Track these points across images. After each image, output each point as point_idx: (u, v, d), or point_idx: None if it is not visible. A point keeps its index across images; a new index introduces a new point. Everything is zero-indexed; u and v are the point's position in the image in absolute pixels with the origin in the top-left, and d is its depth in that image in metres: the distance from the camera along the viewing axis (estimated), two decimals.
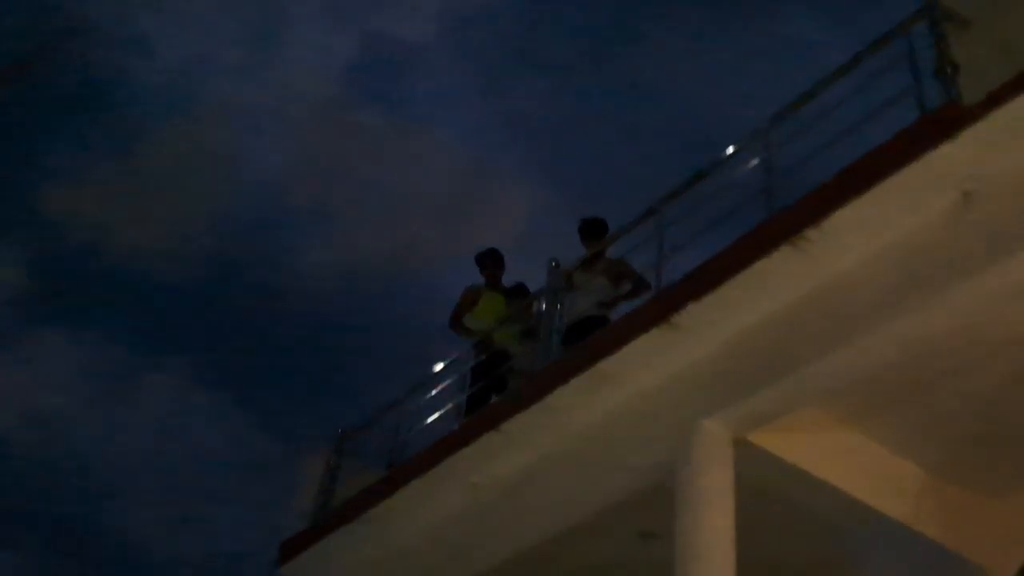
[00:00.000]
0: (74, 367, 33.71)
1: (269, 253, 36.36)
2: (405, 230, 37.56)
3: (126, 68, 35.21)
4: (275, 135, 36.93)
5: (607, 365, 6.47)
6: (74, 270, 34.06)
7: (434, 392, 8.67)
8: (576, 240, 8.64)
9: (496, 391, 8.55)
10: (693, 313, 6.01)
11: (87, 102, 34.68)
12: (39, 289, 33.64)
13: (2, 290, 33.16)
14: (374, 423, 9.27)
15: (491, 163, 38.19)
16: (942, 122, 5.06)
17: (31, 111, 32.56)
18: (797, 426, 6.09)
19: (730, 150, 6.62)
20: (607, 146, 37.25)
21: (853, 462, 6.35)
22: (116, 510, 31.92)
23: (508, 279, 9.39)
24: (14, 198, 33.08)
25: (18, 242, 33.77)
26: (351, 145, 37.91)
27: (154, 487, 32.42)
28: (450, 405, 8.47)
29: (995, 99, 4.89)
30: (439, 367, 8.79)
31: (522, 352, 8.29)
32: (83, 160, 34.50)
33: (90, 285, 33.79)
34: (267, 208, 36.65)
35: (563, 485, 6.98)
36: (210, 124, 35.85)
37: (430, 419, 8.50)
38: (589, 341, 6.96)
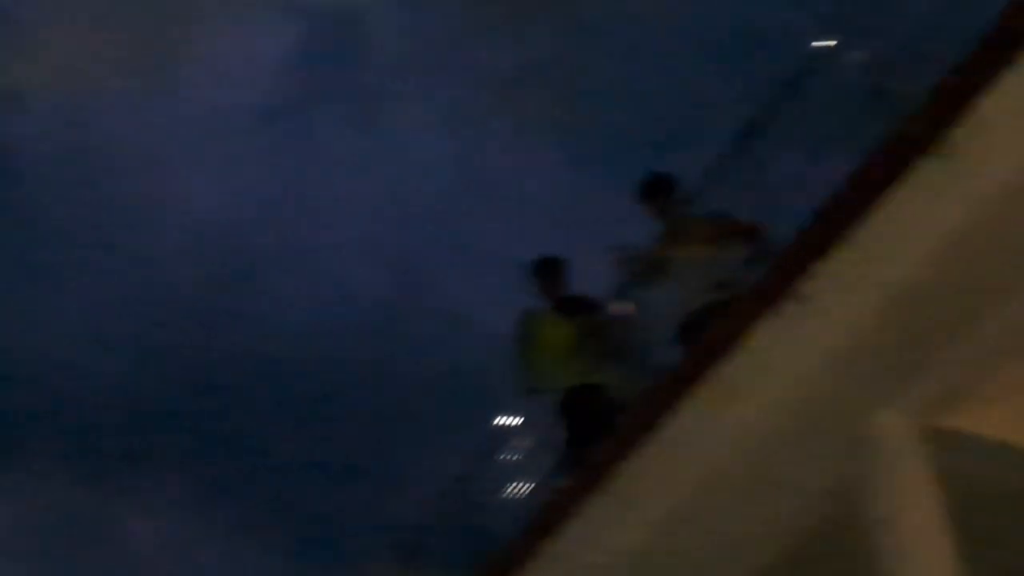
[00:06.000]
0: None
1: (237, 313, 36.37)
2: (399, 243, 37.56)
3: None
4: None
5: (724, 372, 6.33)
6: None
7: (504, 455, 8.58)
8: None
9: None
10: (824, 276, 5.86)
11: None
12: None
13: None
14: (437, 512, 9.18)
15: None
16: None
17: None
18: (1005, 392, 5.96)
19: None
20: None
21: None
22: None
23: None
24: None
25: None
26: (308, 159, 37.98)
27: None
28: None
29: None
30: (506, 420, 8.65)
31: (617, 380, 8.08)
32: None
33: None
34: (217, 262, 36.60)
35: (704, 544, 6.93)
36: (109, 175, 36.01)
37: (505, 493, 8.42)
38: (694, 345, 6.81)
